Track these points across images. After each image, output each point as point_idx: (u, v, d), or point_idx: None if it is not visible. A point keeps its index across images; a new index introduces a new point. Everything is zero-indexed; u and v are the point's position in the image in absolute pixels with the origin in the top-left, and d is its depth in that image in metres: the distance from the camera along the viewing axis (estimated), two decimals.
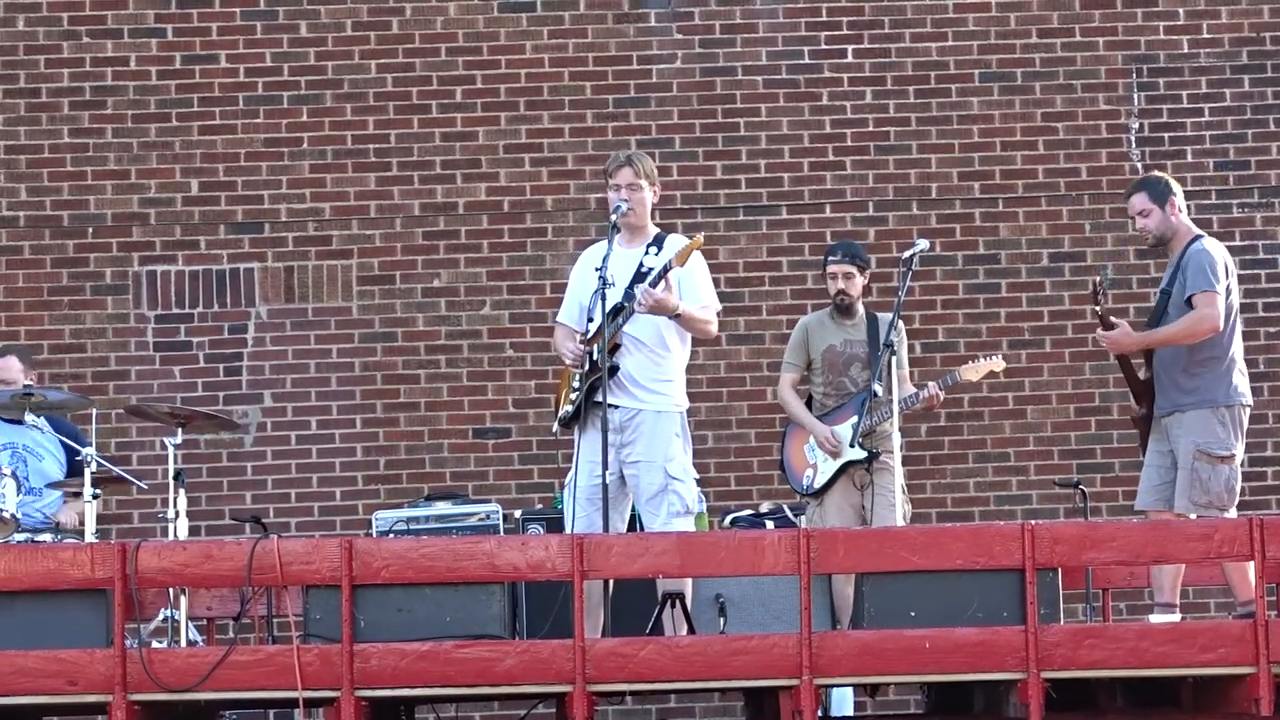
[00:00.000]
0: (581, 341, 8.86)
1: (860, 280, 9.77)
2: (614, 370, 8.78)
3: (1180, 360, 8.88)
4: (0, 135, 11.76)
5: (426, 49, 11.86)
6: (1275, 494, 11.71)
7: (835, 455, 9.58)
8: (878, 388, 9.45)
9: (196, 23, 11.82)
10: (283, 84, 11.81)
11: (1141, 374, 9.11)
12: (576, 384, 8.87)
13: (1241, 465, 8.97)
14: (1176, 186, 9.08)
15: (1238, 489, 8.89)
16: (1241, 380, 8.93)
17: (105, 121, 11.76)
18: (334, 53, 11.84)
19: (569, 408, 8.92)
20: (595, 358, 8.76)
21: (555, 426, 9.21)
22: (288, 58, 11.83)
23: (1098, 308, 9.08)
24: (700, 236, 8.89)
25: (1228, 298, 8.90)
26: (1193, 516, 8.74)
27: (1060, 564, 8.10)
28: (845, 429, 9.60)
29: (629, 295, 8.80)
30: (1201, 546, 8.10)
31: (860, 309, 9.81)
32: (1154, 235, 9.03)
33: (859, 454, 9.53)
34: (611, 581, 8.58)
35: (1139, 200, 9.05)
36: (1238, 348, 8.96)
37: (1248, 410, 8.97)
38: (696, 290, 8.92)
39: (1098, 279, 9.17)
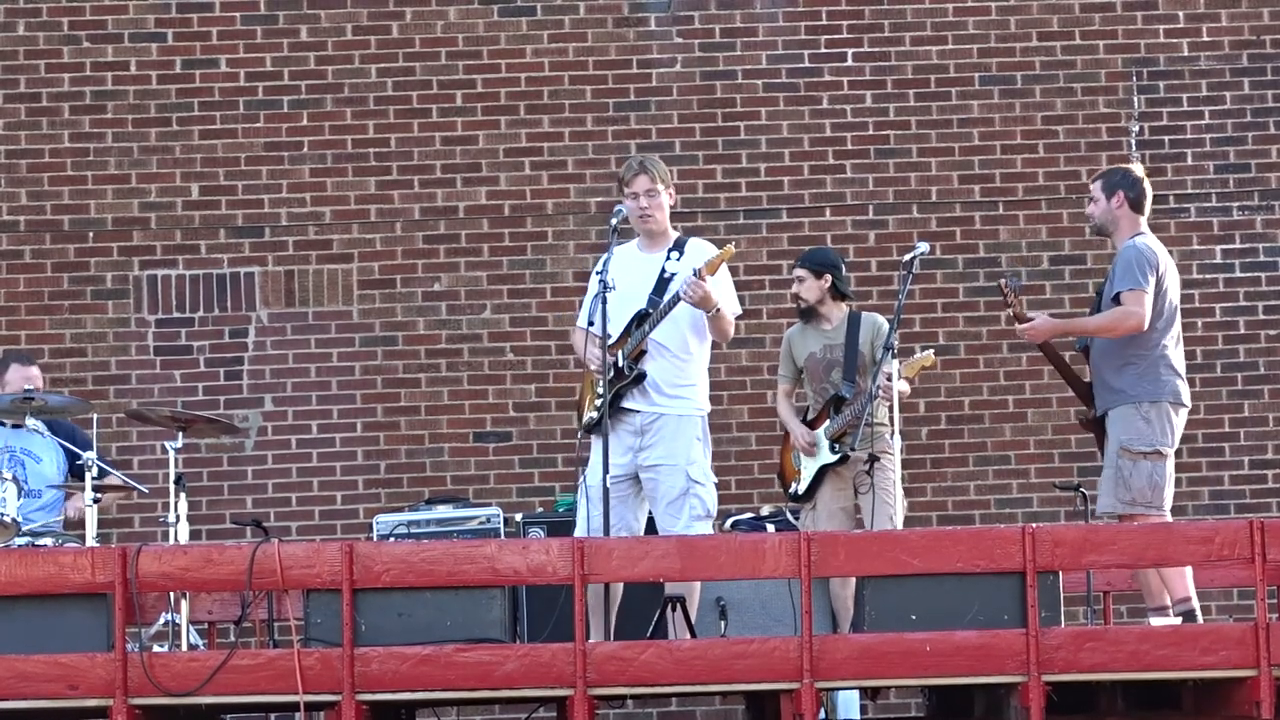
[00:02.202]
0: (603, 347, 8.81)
1: (818, 284, 9.68)
2: (641, 377, 8.75)
3: (1110, 358, 8.88)
4: (0, 140, 11.76)
5: (426, 53, 11.87)
6: (1276, 497, 11.70)
7: (810, 454, 9.56)
8: (845, 391, 9.47)
9: (196, 27, 11.82)
10: (283, 88, 11.82)
11: (1086, 377, 9.10)
12: (600, 390, 8.79)
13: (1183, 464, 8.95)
14: (1136, 184, 9.00)
15: (1167, 489, 8.78)
16: (1172, 378, 8.84)
17: (105, 126, 11.77)
18: (334, 57, 11.85)
19: (593, 414, 8.84)
20: (620, 364, 8.73)
21: (579, 432, 9.12)
22: (288, 62, 11.84)
23: (1010, 310, 9.14)
24: (730, 247, 8.82)
25: (1161, 298, 8.83)
26: (1107, 518, 8.79)
27: (1061, 567, 8.09)
28: (820, 434, 9.60)
29: (653, 301, 8.79)
30: (1202, 549, 8.09)
31: (839, 312, 9.75)
32: (1094, 223, 9.09)
33: (830, 457, 9.53)
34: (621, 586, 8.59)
35: (1092, 187, 9.11)
36: (1173, 348, 8.88)
37: (1182, 410, 8.88)
38: (723, 298, 8.87)
39: (1003, 282, 9.21)
